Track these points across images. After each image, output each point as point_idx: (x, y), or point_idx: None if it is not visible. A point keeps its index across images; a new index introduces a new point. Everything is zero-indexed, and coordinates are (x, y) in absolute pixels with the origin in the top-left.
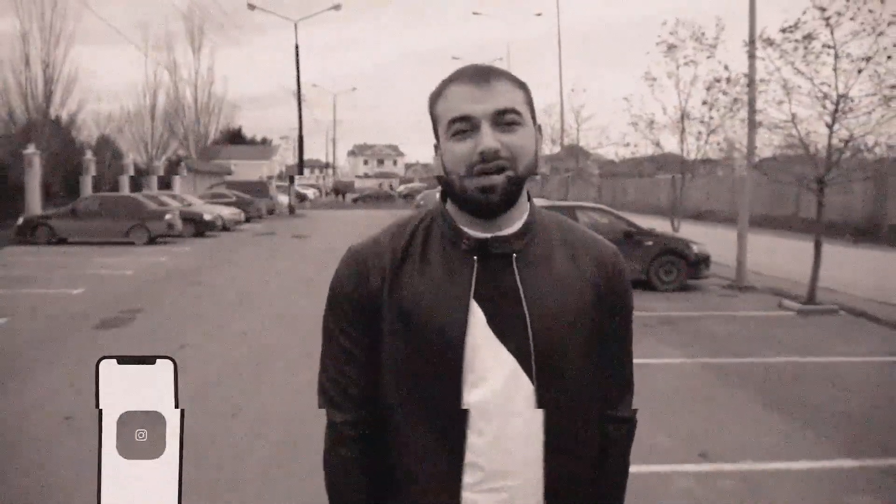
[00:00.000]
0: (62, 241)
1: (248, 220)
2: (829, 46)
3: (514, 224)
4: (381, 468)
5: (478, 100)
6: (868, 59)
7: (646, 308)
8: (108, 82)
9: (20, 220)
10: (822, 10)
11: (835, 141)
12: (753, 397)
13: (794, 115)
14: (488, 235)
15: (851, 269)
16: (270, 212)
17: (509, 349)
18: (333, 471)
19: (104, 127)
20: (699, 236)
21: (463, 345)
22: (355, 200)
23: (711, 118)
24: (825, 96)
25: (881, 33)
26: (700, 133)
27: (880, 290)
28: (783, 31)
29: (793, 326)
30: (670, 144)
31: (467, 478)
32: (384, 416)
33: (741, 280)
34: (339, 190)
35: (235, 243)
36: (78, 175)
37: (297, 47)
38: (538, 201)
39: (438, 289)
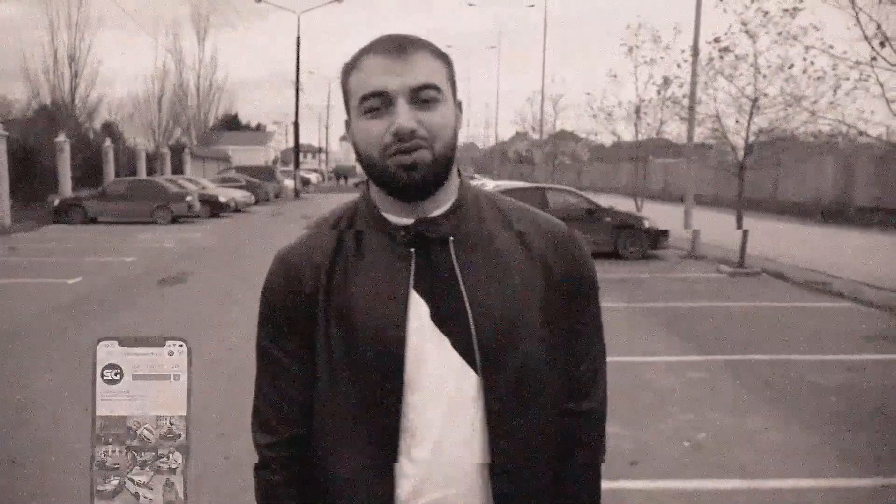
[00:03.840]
0: (93, 221)
1: (256, 202)
2: (745, 56)
3: (442, 206)
4: (313, 488)
5: (393, 73)
6: (781, 68)
7: (608, 271)
8: (112, 66)
9: (56, 202)
10: (745, 24)
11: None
12: (658, 322)
13: (717, 112)
14: (412, 220)
15: (799, 244)
16: (277, 195)
17: (453, 343)
18: (260, 496)
19: (115, 113)
20: (679, 218)
21: (403, 344)
22: (357, 184)
23: (663, 110)
24: (741, 95)
25: (792, 45)
26: (649, 124)
27: (808, 259)
28: (708, 42)
29: (719, 284)
30: (628, 134)
31: (404, 490)
32: (317, 431)
33: (695, 251)
34: (341, 174)
35: (254, 222)
36: (91, 160)
37: (298, 39)
38: (518, 184)
39: (375, 286)
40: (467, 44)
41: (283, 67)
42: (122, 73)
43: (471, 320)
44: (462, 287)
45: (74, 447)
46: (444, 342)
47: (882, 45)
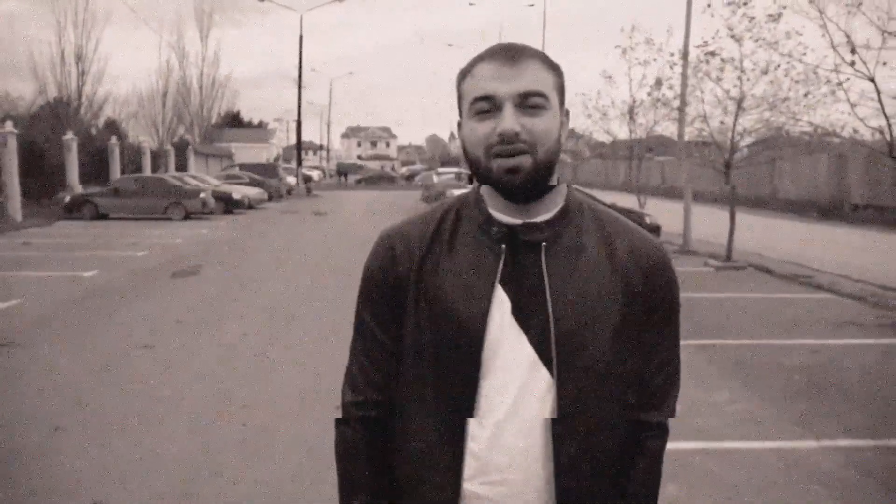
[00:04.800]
0: (104, 217)
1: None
2: (730, 60)
3: (549, 211)
4: (390, 456)
5: (504, 79)
6: (764, 72)
7: None
8: (115, 62)
9: (67, 199)
10: (731, 29)
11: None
12: None
13: (705, 113)
14: (519, 222)
15: (791, 240)
16: (290, 191)
17: (530, 339)
18: (339, 453)
19: (119, 111)
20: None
21: (484, 332)
22: (359, 182)
23: (655, 111)
24: (727, 97)
25: (775, 49)
26: (641, 124)
27: (796, 254)
28: (696, 46)
29: (705, 277)
30: (623, 133)
31: (468, 469)
32: (398, 404)
33: (686, 246)
34: (342, 171)
35: (260, 219)
36: (96, 157)
37: (301, 38)
38: None
39: (464, 275)
40: (468, 42)
41: (285, 65)
42: (126, 70)
43: (551, 321)
44: (547, 289)
45: (111, 417)
46: (522, 337)
47: (853, 51)
